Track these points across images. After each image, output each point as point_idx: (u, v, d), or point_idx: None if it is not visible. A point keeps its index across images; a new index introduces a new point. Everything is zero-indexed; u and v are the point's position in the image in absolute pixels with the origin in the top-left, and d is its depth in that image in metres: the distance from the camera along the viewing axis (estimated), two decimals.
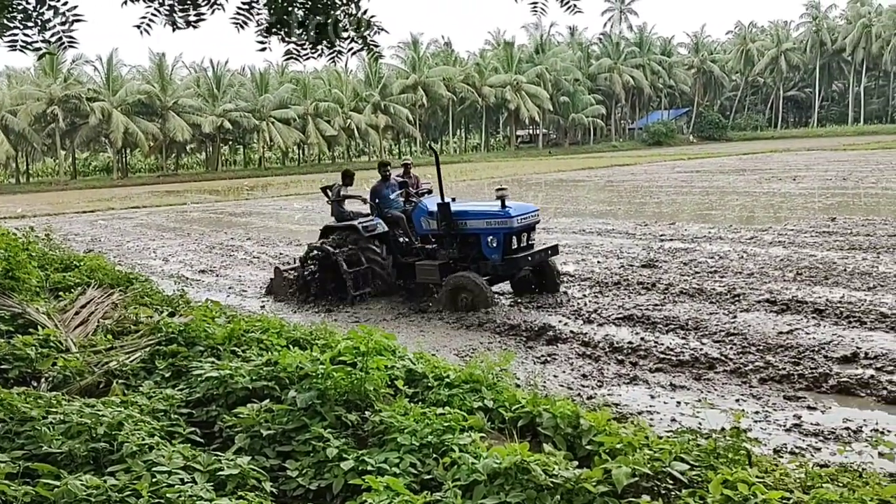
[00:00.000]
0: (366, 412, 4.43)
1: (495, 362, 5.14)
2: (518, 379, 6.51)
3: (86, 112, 60.91)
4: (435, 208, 10.42)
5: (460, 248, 10.36)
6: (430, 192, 11.85)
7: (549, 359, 7.68)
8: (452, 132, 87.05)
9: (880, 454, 4.90)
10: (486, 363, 5.14)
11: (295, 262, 12.19)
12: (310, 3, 4.71)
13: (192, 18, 4.58)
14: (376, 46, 4.98)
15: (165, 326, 6.25)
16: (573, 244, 15.41)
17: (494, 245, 10.09)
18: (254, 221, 25.57)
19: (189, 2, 4.59)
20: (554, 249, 10.97)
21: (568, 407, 4.32)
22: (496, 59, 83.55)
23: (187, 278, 13.15)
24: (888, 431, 5.49)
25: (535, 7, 5.48)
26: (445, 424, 4.07)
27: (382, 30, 5.02)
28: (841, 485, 3.51)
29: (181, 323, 6.38)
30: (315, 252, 11.15)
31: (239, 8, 4.77)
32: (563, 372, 7.26)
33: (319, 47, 5.04)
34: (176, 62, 72.58)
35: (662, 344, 7.90)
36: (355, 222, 11.17)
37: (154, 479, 3.51)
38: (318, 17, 4.69)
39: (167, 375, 5.44)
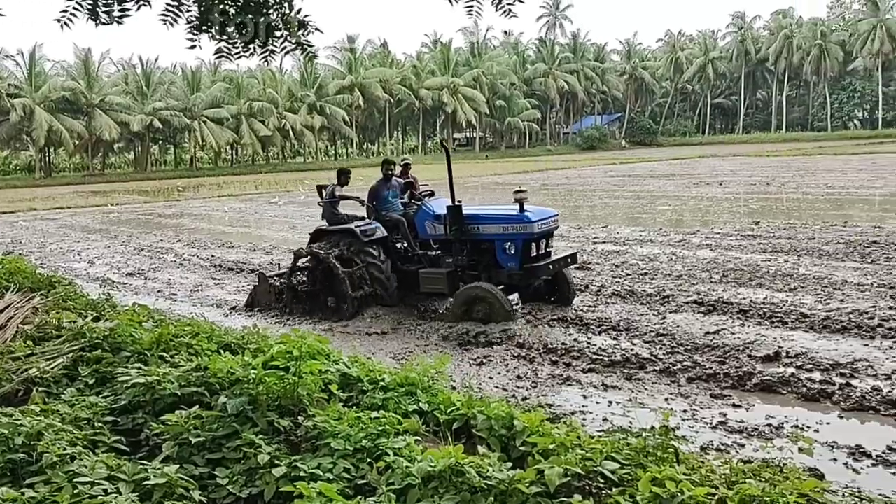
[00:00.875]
0: (299, 417, 4.36)
1: (431, 365, 5.14)
2: (454, 381, 6.52)
3: (6, 108, 58.39)
4: (442, 211, 9.67)
5: (470, 256, 9.61)
6: (432, 193, 10.84)
7: (484, 361, 7.73)
8: (389, 134, 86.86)
9: (800, 449, 5.04)
10: (422, 366, 5.13)
11: (279, 269, 11.23)
12: (241, 1, 4.63)
13: (116, 14, 4.43)
14: (310, 46, 4.92)
15: (89, 331, 6.02)
16: None
17: (512, 252, 9.30)
18: (185, 223, 24.96)
19: None
20: (572, 258, 10.32)
21: (502, 408, 4.34)
22: (433, 61, 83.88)
23: (114, 282, 12.73)
24: (807, 427, 5.72)
25: (470, 10, 5.51)
26: (380, 428, 4.04)
27: (317, 30, 4.96)
28: (763, 480, 3.62)
29: (106, 328, 6.16)
30: (301, 257, 10.23)
31: (168, 4, 4.65)
32: (499, 374, 7.32)
33: (251, 46, 4.95)
34: (103, 58, 70.49)
35: (595, 345, 8.05)
36: (352, 225, 10.17)
37: (76, 491, 3.37)
38: (249, 16, 4.60)
39: (91, 382, 5.24)
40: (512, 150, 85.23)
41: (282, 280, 10.72)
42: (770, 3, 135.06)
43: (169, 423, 4.26)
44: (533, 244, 9.34)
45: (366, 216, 10.60)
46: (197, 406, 4.50)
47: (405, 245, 10.38)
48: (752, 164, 43.51)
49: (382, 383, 4.93)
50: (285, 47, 5.00)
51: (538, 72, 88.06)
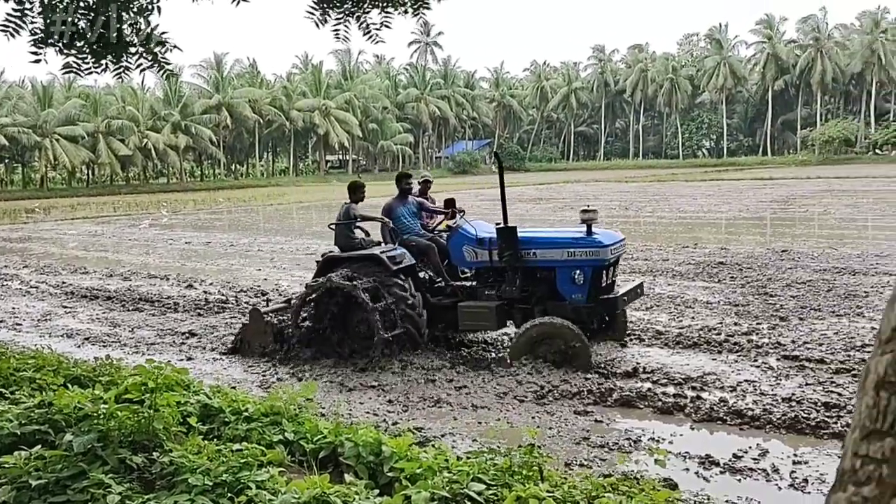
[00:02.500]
0: (154, 453, 4.12)
1: (298, 393, 5.01)
2: (323, 408, 6.39)
3: None
4: (486, 234, 8.48)
5: (522, 287, 8.32)
6: (462, 212, 9.25)
7: (353, 384, 7.62)
8: (259, 155, 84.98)
9: (656, 461, 5.34)
10: (289, 394, 5.00)
11: (272, 304, 9.62)
12: (91, 14, 4.39)
13: None
14: (168, 64, 4.74)
15: None
16: None
17: (581, 282, 7.98)
18: (33, 247, 23.21)
19: None
20: (640, 288, 9.01)
21: (370, 434, 4.30)
22: (304, 83, 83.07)
23: None
24: (662, 439, 6.02)
25: (336, 33, 5.51)
26: (242, 461, 3.88)
27: (175, 47, 4.79)
28: (621, 493, 3.78)
29: None
30: (321, 289, 8.28)
31: (9, 15, 4.34)
32: (370, 399, 7.24)
33: (103, 62, 4.70)
34: None
35: (465, 366, 8.13)
36: (376, 251, 8.46)
37: None
38: (100, 30, 4.37)
39: None
40: (386, 173, 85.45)
41: (281, 317, 9.03)
42: (628, 38, 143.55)
43: (6, 465, 3.91)
44: (603, 273, 8.14)
45: (383, 240, 9.05)
46: (39, 446, 4.16)
47: (430, 275, 8.95)
48: (613, 190, 45.82)
49: (246, 413, 4.76)
50: (141, 64, 4.79)
51: (410, 96, 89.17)
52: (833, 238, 18.40)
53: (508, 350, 8.15)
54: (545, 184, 56.72)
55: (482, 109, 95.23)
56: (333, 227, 9.07)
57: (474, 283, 8.71)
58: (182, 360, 8.88)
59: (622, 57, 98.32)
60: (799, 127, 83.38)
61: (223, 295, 13.03)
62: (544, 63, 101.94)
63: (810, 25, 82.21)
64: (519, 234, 8.23)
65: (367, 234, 9.27)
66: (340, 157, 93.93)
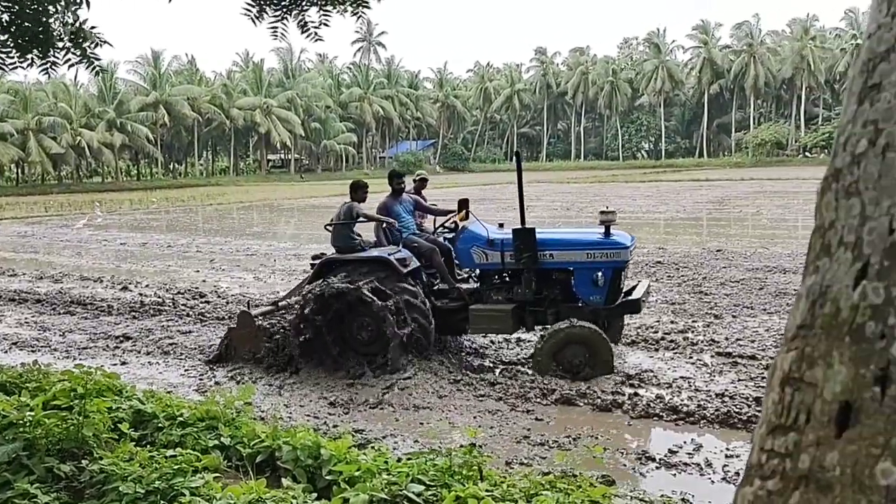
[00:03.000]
0: (83, 461, 3.99)
1: (235, 397, 4.92)
2: (262, 412, 6.30)
3: None
4: (498, 236, 8.23)
5: (537, 290, 8.10)
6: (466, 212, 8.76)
7: (295, 388, 7.53)
8: (198, 154, 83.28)
9: (594, 458, 5.44)
10: (226, 398, 4.90)
11: (260, 308, 8.87)
12: (16, 6, 4.23)
13: None
14: (98, 59, 4.60)
15: None
16: None
17: (602, 284, 7.79)
18: None
19: None
20: (649, 289, 8.90)
21: (309, 437, 4.25)
22: (245, 80, 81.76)
23: None
24: (601, 436, 6.12)
25: (274, 31, 5.44)
26: (176, 467, 3.80)
27: (105, 42, 4.65)
28: (559, 490, 3.82)
29: None
30: (322, 291, 7.68)
31: None
32: (311, 401, 7.17)
33: (29, 56, 4.54)
34: None
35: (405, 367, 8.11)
36: (383, 253, 8.07)
37: None
38: (25, 23, 4.22)
39: None
40: (329, 173, 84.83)
41: (279, 321, 8.30)
42: (569, 40, 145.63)
43: None
44: (621, 274, 7.98)
45: (378, 241, 8.59)
46: None
47: (432, 278, 8.61)
48: (555, 191, 46.41)
49: (181, 418, 4.66)
50: (69, 59, 4.64)
51: (354, 96, 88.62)
52: (765, 238, 19.02)
53: (532, 361, 7.76)
54: (489, 184, 57.06)
55: (426, 110, 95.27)
56: (330, 227, 8.51)
57: (478, 286, 8.42)
58: (115, 364, 8.63)
59: (564, 59, 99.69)
60: (733, 130, 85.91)
61: (160, 297, 12.71)
62: (487, 64, 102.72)
63: (744, 31, 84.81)
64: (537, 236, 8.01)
65: (360, 235, 8.71)
66: (282, 156, 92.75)
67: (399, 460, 4.38)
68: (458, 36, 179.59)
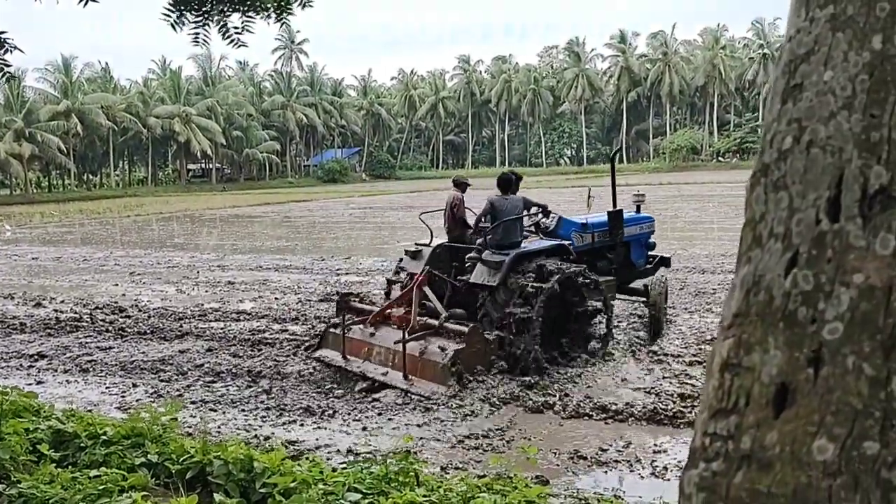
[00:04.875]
0: (0, 485, 3.79)
1: (161, 413, 4.77)
2: (189, 427, 6.12)
3: None
4: (589, 220, 9.33)
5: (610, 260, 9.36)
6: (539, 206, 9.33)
7: (220, 401, 7.36)
8: (114, 164, 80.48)
9: (528, 459, 5.51)
10: (152, 414, 4.74)
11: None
12: None
13: None
14: (7, 66, 4.40)
15: None
16: (250, 281, 15.09)
17: (644, 249, 9.90)
18: None
19: None
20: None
21: (240, 451, 4.15)
22: (162, 88, 79.46)
23: None
24: (534, 437, 6.20)
25: (196, 37, 5.31)
26: (101, 487, 3.65)
27: (15, 48, 4.45)
28: (495, 492, 3.85)
29: None
30: (560, 278, 7.74)
31: None
32: (242, 412, 7.01)
33: None
34: None
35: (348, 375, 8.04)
36: (555, 242, 8.52)
37: None
38: None
39: None
40: (251, 183, 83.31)
41: (498, 332, 7.75)
42: (491, 48, 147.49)
43: None
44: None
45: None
46: None
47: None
48: (482, 197, 46.55)
49: (104, 437, 4.47)
50: None
51: (276, 104, 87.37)
52: (684, 240, 19.67)
53: (649, 303, 9.26)
54: (416, 192, 57.16)
55: (351, 117, 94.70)
56: (490, 226, 8.54)
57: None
58: (31, 384, 8.23)
59: (487, 67, 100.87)
60: (651, 136, 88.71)
61: (76, 313, 12.19)
62: (412, 72, 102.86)
63: (659, 41, 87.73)
64: (600, 219, 9.38)
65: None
66: (203, 165, 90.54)
67: (334, 470, 4.33)
68: (380, 43, 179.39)
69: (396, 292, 8.91)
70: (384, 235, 25.17)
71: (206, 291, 14.32)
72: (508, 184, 8.72)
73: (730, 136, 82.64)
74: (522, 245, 8.34)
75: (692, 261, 15.37)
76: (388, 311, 8.54)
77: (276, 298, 13.07)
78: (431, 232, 9.57)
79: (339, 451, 5.95)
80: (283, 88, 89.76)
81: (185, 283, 15.29)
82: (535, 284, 7.68)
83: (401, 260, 9.57)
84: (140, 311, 12.27)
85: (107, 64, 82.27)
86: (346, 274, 15.81)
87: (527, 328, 7.60)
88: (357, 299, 9.56)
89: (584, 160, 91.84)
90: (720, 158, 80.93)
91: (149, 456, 4.27)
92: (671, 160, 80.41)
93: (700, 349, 8.56)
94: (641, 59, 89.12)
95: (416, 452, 5.14)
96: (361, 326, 8.46)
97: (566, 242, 8.70)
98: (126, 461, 4.17)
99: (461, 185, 9.64)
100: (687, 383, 7.33)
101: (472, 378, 7.31)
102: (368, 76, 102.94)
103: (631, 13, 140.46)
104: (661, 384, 7.38)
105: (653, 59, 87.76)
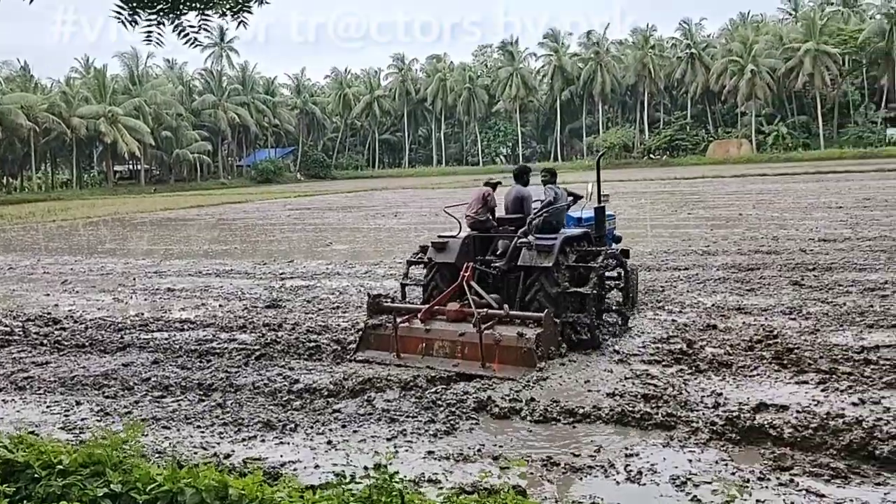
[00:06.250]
0: None
1: (119, 437, 4.46)
2: (144, 448, 5.78)
3: None
4: (579, 215, 10.55)
5: None
6: (578, 197, 10.50)
7: (172, 417, 7.02)
8: (36, 167, 77.18)
9: (501, 468, 5.41)
10: (110, 438, 4.43)
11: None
12: None
13: None
14: None
15: None
16: (190, 288, 14.58)
17: (612, 242, 11.18)
18: None
19: None
20: None
21: (213, 476, 3.91)
22: (86, 87, 76.67)
23: None
24: (504, 445, 6.08)
25: (149, 36, 5.03)
26: None
27: None
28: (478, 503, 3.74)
29: None
30: (599, 257, 9.16)
31: None
32: (198, 429, 6.69)
33: None
34: None
35: (301, 384, 7.79)
36: (580, 230, 9.73)
37: None
38: None
39: None
40: (182, 184, 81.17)
41: (568, 316, 8.72)
42: (426, 48, 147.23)
43: None
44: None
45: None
46: None
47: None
48: (421, 196, 46.72)
49: (60, 466, 4.15)
50: None
51: (207, 103, 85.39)
52: (626, 237, 19.91)
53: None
54: (353, 192, 56.67)
55: (284, 116, 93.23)
56: (542, 213, 9.38)
57: None
58: None
59: (421, 66, 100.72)
60: (584, 134, 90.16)
61: (7, 326, 11.52)
62: (346, 70, 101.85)
63: (591, 40, 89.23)
64: (586, 215, 10.63)
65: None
66: (131, 166, 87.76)
67: (310, 488, 4.14)
68: (312, 42, 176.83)
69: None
70: (325, 237, 24.78)
71: (146, 300, 13.78)
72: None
73: (660, 134, 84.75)
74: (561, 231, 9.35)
75: (637, 258, 15.54)
76: (437, 306, 8.86)
77: (220, 306, 12.65)
78: (460, 224, 9.99)
79: (306, 468, 5.72)
80: (214, 87, 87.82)
81: (121, 292, 14.68)
82: (588, 265, 8.93)
83: (423, 251, 10.09)
84: (76, 322, 11.69)
85: (26, 63, 78.88)
86: (291, 278, 15.44)
87: (586, 304, 8.68)
88: (389, 300, 9.93)
89: (520, 158, 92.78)
90: (651, 156, 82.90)
91: (111, 486, 3.97)
92: (604, 157, 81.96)
93: (658, 348, 8.62)
94: (574, 59, 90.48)
95: (385, 466, 4.96)
96: (408, 324, 8.65)
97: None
98: (87, 493, 3.87)
99: (493, 185, 10.75)
100: (650, 383, 7.34)
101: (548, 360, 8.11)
102: (302, 75, 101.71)
103: (563, 12, 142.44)
104: (624, 385, 7.37)
105: (585, 58, 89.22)
